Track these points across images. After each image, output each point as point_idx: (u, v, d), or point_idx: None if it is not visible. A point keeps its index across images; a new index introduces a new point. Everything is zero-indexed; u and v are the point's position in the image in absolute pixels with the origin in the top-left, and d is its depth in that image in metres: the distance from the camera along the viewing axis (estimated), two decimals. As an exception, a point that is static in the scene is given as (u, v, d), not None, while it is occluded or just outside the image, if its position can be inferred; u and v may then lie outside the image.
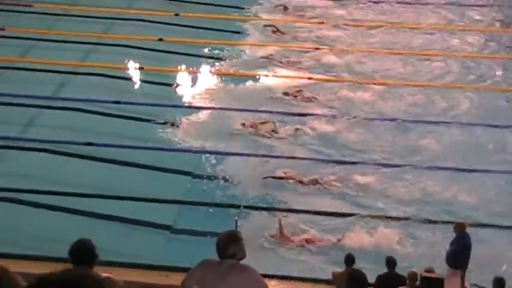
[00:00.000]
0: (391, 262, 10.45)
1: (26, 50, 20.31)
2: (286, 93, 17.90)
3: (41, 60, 19.41)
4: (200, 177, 14.70)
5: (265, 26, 22.06)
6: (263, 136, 16.04)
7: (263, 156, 15.24)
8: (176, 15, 22.87)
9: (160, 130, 16.46)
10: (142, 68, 19.53)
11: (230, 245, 5.37)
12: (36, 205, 13.43)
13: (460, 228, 11.26)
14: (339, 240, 12.62)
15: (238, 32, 21.90)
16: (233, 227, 11.06)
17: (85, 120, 16.72)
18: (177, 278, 10.93)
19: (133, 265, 11.62)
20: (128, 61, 19.95)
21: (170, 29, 21.95)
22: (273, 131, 16.17)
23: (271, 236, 12.60)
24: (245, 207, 12.83)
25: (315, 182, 14.29)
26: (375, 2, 24.33)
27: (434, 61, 20.36)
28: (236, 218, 11.35)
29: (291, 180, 14.37)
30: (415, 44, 21.38)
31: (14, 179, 14.38)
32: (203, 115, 17.18)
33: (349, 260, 10.45)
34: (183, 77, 19.45)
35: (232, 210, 13.23)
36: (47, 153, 15.21)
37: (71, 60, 19.70)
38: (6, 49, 20.11)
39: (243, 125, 16.30)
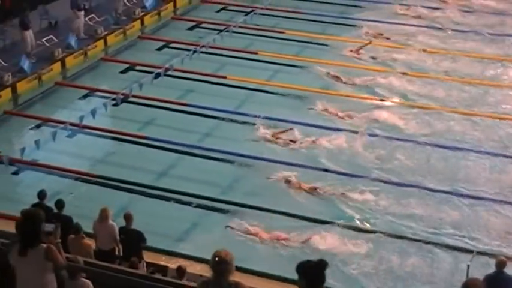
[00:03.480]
0: None
1: (272, 73, 21.33)
2: (325, 109, 18.66)
3: (284, 84, 20.31)
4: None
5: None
6: (279, 144, 17.11)
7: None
8: (423, 50, 22.68)
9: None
10: (383, 100, 19.58)
11: None
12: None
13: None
14: (303, 241, 13.43)
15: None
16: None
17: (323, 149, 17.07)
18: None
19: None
20: (372, 92, 20.13)
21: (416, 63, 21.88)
22: (291, 140, 17.15)
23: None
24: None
25: (313, 189, 15.22)
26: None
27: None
28: (468, 263, 11.01)
29: (291, 184, 15.38)
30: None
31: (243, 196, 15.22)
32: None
33: None
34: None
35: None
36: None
37: (311, 87, 20.31)
38: (257, 72, 21.27)
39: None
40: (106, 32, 23.20)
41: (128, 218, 11.84)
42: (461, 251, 13.40)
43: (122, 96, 18.66)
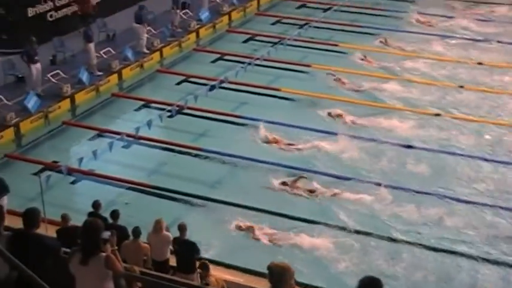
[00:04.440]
0: None
1: (327, 87, 21.28)
2: (329, 114, 19.27)
3: (337, 97, 20.32)
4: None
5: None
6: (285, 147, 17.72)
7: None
8: (479, 63, 22.43)
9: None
10: (438, 115, 19.39)
11: None
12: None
13: None
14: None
15: None
16: None
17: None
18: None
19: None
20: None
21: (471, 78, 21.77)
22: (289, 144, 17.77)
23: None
24: None
25: (310, 191, 15.71)
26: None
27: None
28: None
29: (288, 187, 15.92)
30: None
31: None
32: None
33: None
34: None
35: None
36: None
37: (365, 100, 20.30)
38: (311, 84, 21.37)
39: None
40: (162, 44, 23.57)
41: (182, 228, 11.94)
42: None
43: (177, 108, 18.86)
